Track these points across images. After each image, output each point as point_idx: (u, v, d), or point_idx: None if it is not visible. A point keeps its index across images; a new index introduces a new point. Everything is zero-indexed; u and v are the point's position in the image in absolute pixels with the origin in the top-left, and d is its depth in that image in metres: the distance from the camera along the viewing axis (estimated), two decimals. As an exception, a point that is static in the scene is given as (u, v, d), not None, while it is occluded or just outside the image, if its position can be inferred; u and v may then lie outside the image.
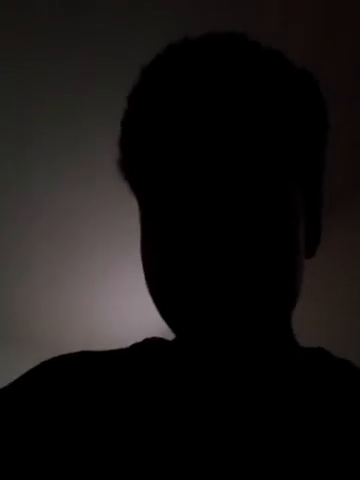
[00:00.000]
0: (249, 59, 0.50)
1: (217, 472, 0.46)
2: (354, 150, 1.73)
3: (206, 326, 0.47)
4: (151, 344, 0.58)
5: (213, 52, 0.50)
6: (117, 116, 0.55)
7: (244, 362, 0.50)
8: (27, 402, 0.52)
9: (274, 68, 0.51)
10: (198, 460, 0.47)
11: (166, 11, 1.43)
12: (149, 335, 0.61)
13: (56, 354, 0.57)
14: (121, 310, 2.53)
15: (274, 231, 0.48)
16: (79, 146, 1.84)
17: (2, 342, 2.60)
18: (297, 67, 0.53)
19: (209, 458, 0.47)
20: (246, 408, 0.50)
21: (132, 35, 1.51)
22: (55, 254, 2.27)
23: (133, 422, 0.49)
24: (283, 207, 0.49)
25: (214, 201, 0.47)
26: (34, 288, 2.44)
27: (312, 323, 1.66)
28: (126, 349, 0.58)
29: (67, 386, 0.52)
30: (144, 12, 1.45)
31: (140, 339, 0.60)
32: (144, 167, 0.51)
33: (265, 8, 1.40)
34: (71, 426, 0.50)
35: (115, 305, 2.51)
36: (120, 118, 0.55)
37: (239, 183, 0.47)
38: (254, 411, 0.50)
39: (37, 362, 0.56)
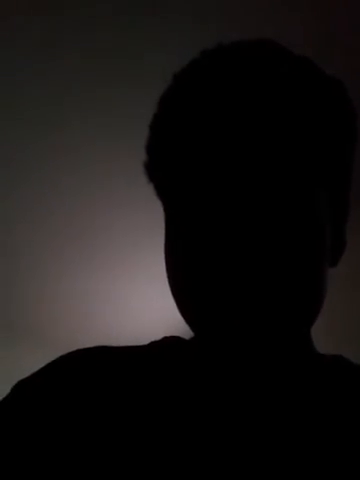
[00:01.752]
0: (281, 67, 0.50)
1: (227, 476, 0.47)
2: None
3: (227, 329, 0.48)
4: (170, 343, 0.58)
5: (246, 59, 0.50)
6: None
7: (262, 368, 0.50)
8: (46, 394, 0.52)
9: (305, 76, 0.51)
10: (210, 462, 0.47)
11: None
12: (160, 334, 0.62)
13: (67, 350, 0.57)
14: (133, 309, 2.53)
15: (301, 241, 0.48)
16: (93, 144, 1.83)
17: (14, 338, 2.59)
18: (326, 74, 0.53)
19: (221, 462, 0.47)
20: (261, 414, 0.50)
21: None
22: (67, 251, 2.26)
23: (147, 421, 0.50)
24: (311, 217, 0.49)
25: (242, 208, 0.47)
26: (45, 285, 2.43)
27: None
28: (144, 346, 0.58)
29: (84, 381, 0.53)
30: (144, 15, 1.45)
31: (151, 338, 0.60)
32: (172, 171, 0.51)
33: (265, 8, 1.40)
34: (87, 421, 0.50)
35: (127, 304, 2.51)
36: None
37: (267, 190, 0.47)
38: (269, 417, 0.50)
39: (47, 358, 0.56)
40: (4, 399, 0.54)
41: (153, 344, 0.58)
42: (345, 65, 1.49)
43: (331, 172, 0.52)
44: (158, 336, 0.60)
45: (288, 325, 0.49)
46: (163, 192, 0.55)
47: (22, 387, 0.54)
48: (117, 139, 1.78)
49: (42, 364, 0.56)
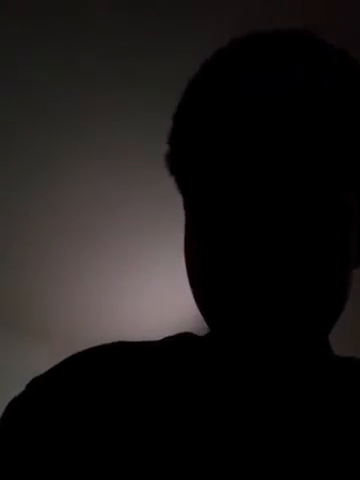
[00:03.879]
0: (315, 61, 0.48)
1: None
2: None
3: (244, 326, 0.47)
4: (184, 339, 0.58)
5: (278, 51, 0.48)
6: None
7: (276, 366, 0.49)
8: (61, 391, 0.52)
9: (341, 72, 0.49)
10: (223, 459, 0.47)
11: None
12: (172, 331, 0.61)
13: (75, 348, 0.57)
14: (136, 309, 2.53)
15: (326, 242, 0.47)
16: (98, 145, 1.84)
17: (20, 337, 2.59)
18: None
19: (234, 459, 0.47)
20: (273, 413, 0.50)
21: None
22: (71, 251, 2.26)
23: (161, 417, 0.50)
24: (338, 218, 0.47)
25: (267, 204, 0.46)
26: (51, 285, 2.43)
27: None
28: (159, 342, 0.58)
29: (99, 378, 0.53)
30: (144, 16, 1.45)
31: (162, 336, 0.60)
32: (195, 163, 0.49)
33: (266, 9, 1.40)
34: (102, 417, 0.50)
35: (132, 304, 2.51)
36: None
37: (293, 186, 0.46)
38: (281, 416, 0.50)
39: (52, 356, 0.56)
40: (19, 396, 0.54)
41: (167, 340, 0.58)
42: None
43: (354, 158, 0.49)
44: (170, 333, 0.60)
45: (307, 326, 0.48)
46: (185, 185, 0.53)
47: (37, 384, 0.54)
48: (127, 135, 1.77)
49: (50, 362, 0.56)
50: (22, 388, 0.55)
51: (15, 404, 0.53)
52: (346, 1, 1.42)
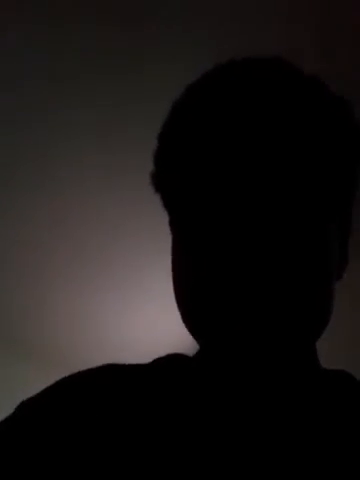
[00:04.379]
0: (292, 89, 0.50)
1: None
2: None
3: (233, 343, 0.47)
4: (173, 360, 0.58)
5: (258, 78, 0.50)
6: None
7: (266, 384, 0.50)
8: (49, 415, 0.52)
9: (316, 99, 0.51)
10: (215, 478, 0.47)
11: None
12: (164, 351, 0.61)
13: (70, 368, 0.57)
14: (138, 326, 2.52)
15: (310, 258, 0.48)
16: (101, 160, 1.85)
17: (15, 356, 2.58)
18: (335, 95, 0.53)
19: (226, 477, 0.47)
20: (264, 430, 0.50)
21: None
22: (70, 268, 2.26)
23: (152, 439, 0.50)
24: (321, 233, 0.49)
25: (251, 222, 0.47)
26: (48, 303, 2.44)
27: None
28: (149, 364, 0.58)
29: (88, 402, 0.53)
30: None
31: (155, 355, 0.60)
32: (180, 181, 0.51)
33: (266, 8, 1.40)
34: (92, 441, 0.50)
35: (132, 321, 2.51)
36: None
37: (277, 204, 0.47)
38: (272, 433, 0.50)
39: (49, 375, 0.56)
40: (7, 418, 0.54)
41: (157, 361, 0.58)
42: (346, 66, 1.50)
43: (340, 191, 0.52)
44: (162, 353, 0.60)
45: (295, 340, 0.49)
46: (170, 203, 0.55)
47: (26, 407, 0.54)
48: (127, 154, 1.78)
49: (43, 382, 0.56)
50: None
51: (2, 428, 0.53)
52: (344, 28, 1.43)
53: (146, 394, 0.53)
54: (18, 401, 0.55)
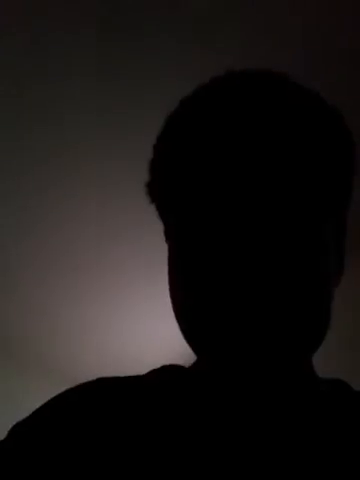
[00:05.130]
0: (286, 100, 0.51)
1: None
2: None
3: (231, 352, 0.47)
4: (169, 372, 0.58)
5: (254, 90, 0.51)
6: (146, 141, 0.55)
7: (263, 396, 0.50)
8: (44, 437, 0.51)
9: (311, 111, 0.52)
10: None
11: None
12: (162, 361, 0.61)
13: (69, 379, 0.56)
14: (135, 339, 2.52)
15: (308, 268, 0.48)
16: (104, 177, 1.86)
17: (15, 368, 2.57)
18: (330, 107, 0.54)
19: None
20: (261, 442, 0.50)
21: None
22: (68, 281, 2.26)
23: (149, 453, 0.49)
24: (319, 240, 0.49)
25: (247, 230, 0.47)
26: (45, 314, 2.43)
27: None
28: (144, 376, 0.57)
29: (83, 421, 0.52)
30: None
31: (152, 366, 0.60)
32: (176, 191, 0.51)
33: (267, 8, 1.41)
34: (88, 462, 0.49)
35: (128, 333, 2.50)
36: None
37: (272, 212, 0.47)
38: (269, 446, 0.50)
39: (49, 387, 0.56)
40: (1, 442, 0.53)
41: (152, 373, 0.58)
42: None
43: (335, 197, 0.53)
44: (159, 364, 0.60)
45: (294, 351, 0.48)
46: (165, 212, 0.55)
47: (19, 430, 0.53)
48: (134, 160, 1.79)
49: (42, 392, 0.55)
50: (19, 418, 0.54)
51: None
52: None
53: (141, 407, 0.52)
54: (17, 412, 0.55)
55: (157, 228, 0.58)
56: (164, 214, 0.56)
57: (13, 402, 2.11)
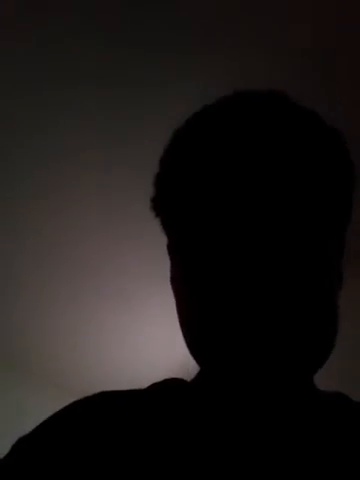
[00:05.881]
0: (289, 121, 0.52)
1: None
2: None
3: (237, 370, 0.47)
4: (171, 386, 0.58)
5: (256, 109, 0.53)
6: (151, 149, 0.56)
7: (267, 411, 0.50)
8: (47, 453, 0.51)
9: (311, 131, 0.53)
10: None
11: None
12: (164, 372, 0.61)
13: (70, 389, 0.56)
14: (137, 348, 2.51)
15: (314, 283, 0.48)
16: (107, 194, 1.87)
17: (16, 377, 2.56)
18: (329, 127, 0.55)
19: None
20: (262, 457, 0.50)
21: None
22: (69, 289, 2.25)
23: (151, 468, 0.49)
24: (322, 257, 0.50)
25: (252, 248, 0.47)
26: (46, 322, 2.42)
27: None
28: (145, 390, 0.57)
29: (86, 436, 0.52)
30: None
31: (154, 377, 0.60)
32: (181, 206, 0.52)
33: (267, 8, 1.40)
34: (91, 475, 0.49)
35: (131, 342, 2.49)
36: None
37: (277, 232, 0.48)
38: (270, 461, 0.49)
39: (50, 397, 0.55)
40: (5, 456, 0.53)
41: (154, 387, 0.58)
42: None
43: (335, 213, 0.53)
44: (161, 375, 0.60)
45: (301, 367, 0.49)
46: (170, 225, 0.56)
47: (23, 444, 0.53)
48: (135, 167, 1.80)
49: (43, 403, 0.55)
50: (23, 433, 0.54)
51: (0, 466, 0.52)
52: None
53: (144, 421, 0.52)
54: (19, 422, 0.55)
55: (160, 239, 0.58)
56: (169, 228, 0.56)
57: (15, 413, 2.10)
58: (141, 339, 2.44)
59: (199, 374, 0.56)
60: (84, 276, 2.19)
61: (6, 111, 1.62)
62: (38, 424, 0.54)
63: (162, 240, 0.59)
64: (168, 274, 0.57)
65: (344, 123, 0.57)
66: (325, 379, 0.64)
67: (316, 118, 0.54)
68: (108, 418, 0.53)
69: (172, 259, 0.56)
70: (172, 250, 0.56)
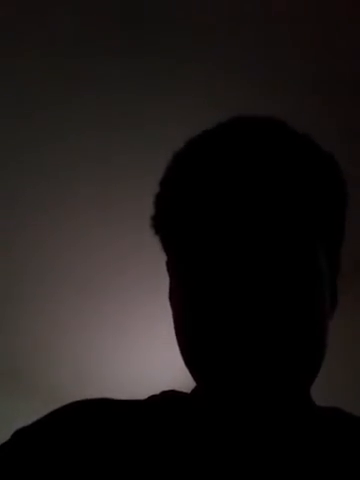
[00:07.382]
0: (286, 147, 0.55)
1: None
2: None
3: (232, 382, 0.48)
4: (169, 398, 0.59)
5: (256, 135, 0.55)
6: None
7: (263, 425, 0.51)
8: (44, 444, 0.53)
9: (305, 154, 0.56)
10: None
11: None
12: (161, 385, 0.62)
13: (65, 401, 0.57)
14: (134, 361, 2.51)
15: (305, 299, 0.50)
16: (108, 203, 1.88)
17: (11, 387, 2.56)
18: (323, 150, 0.58)
19: None
20: (259, 471, 0.50)
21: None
22: (66, 301, 2.27)
23: (145, 477, 0.50)
24: (314, 275, 0.52)
25: (249, 264, 0.49)
26: (43, 333, 2.43)
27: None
28: (143, 400, 0.59)
29: (84, 433, 0.53)
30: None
31: (151, 390, 0.61)
32: (181, 224, 0.54)
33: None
34: (84, 473, 0.50)
35: (127, 355, 2.50)
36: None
37: (273, 248, 0.50)
38: (265, 474, 0.50)
39: (44, 407, 0.56)
40: (3, 445, 0.54)
41: (152, 398, 0.59)
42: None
43: (328, 234, 0.56)
44: (159, 387, 0.61)
45: (293, 380, 0.50)
46: (170, 243, 0.57)
47: (21, 435, 0.54)
48: (135, 179, 1.81)
49: (39, 413, 0.56)
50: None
51: None
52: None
53: (140, 430, 0.53)
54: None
55: (160, 257, 0.59)
56: (168, 246, 0.58)
57: (5, 421, 2.09)
58: (142, 356, 2.45)
59: (197, 388, 0.57)
60: (86, 296, 2.21)
61: (6, 113, 1.63)
62: (38, 418, 0.55)
63: (162, 255, 0.60)
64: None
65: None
66: (321, 391, 0.64)
67: (311, 143, 0.57)
68: (108, 418, 0.54)
69: (171, 276, 0.58)
70: (171, 267, 0.58)
